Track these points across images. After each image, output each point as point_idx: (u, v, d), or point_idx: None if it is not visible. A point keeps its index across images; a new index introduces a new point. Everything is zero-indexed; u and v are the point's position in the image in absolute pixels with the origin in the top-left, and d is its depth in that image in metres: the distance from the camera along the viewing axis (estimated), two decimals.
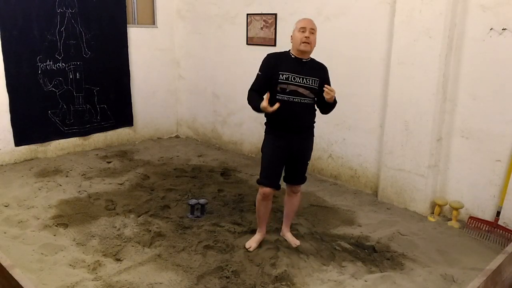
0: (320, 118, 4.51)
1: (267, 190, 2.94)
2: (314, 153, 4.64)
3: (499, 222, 3.35)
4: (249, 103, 2.89)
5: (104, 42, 5.21)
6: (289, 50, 2.90)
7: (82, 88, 5.15)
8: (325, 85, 2.75)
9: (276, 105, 2.71)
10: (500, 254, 1.92)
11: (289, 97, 2.80)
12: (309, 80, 2.82)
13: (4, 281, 1.59)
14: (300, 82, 2.80)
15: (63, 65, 4.93)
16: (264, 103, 2.72)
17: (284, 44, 4.61)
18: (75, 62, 5.02)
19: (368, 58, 4.01)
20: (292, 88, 2.79)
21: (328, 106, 2.90)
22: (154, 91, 5.92)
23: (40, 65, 4.76)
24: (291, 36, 2.87)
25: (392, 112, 3.80)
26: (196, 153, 5.41)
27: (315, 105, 2.97)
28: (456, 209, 3.50)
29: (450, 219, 3.58)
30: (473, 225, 3.41)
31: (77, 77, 5.07)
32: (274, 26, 4.70)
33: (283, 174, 3.03)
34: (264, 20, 4.74)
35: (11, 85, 4.60)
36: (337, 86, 4.24)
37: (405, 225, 3.49)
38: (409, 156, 3.73)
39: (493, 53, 3.27)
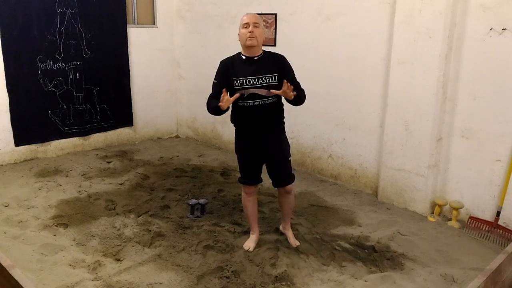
0: (320, 118, 4.55)
1: (248, 187, 3.01)
2: (314, 153, 4.66)
3: (499, 222, 3.35)
4: (208, 108, 2.84)
5: (104, 42, 5.21)
6: (240, 51, 2.87)
7: (82, 88, 5.15)
8: (284, 84, 2.65)
9: (236, 95, 2.69)
10: (500, 254, 1.92)
11: (249, 102, 2.77)
12: (265, 79, 2.77)
13: (4, 281, 1.59)
14: (256, 84, 2.76)
15: (63, 65, 4.93)
16: (222, 100, 2.63)
17: (284, 44, 4.62)
18: (75, 62, 5.02)
19: (368, 58, 4.01)
20: (250, 92, 2.76)
21: (293, 101, 2.80)
22: (154, 91, 5.92)
23: (40, 65, 4.76)
24: (238, 34, 2.83)
25: (392, 112, 3.80)
26: (196, 153, 5.42)
27: (280, 102, 2.91)
28: (456, 209, 3.50)
29: (450, 219, 3.58)
30: (473, 225, 3.41)
31: (77, 77, 5.07)
32: (274, 26, 4.70)
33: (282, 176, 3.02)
34: (264, 20, 4.73)
35: (11, 85, 4.61)
36: (337, 86, 4.29)
37: (405, 225, 3.49)
38: (409, 156, 3.73)
39: (493, 53, 3.27)
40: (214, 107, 2.75)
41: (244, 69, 2.77)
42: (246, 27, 2.76)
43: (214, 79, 2.87)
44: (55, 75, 4.89)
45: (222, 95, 2.63)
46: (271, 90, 2.73)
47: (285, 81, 2.65)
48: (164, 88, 6.02)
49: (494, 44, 3.26)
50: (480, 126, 3.41)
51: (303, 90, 2.85)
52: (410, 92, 3.63)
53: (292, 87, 2.65)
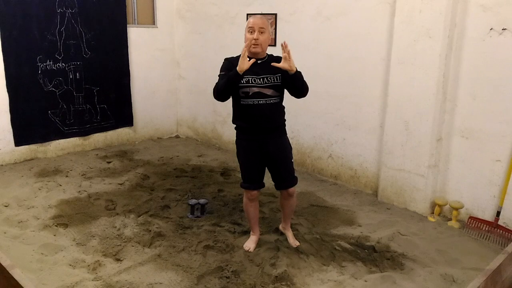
0: (320, 118, 4.55)
1: (251, 192, 2.97)
2: (314, 153, 4.66)
3: (499, 222, 3.35)
4: (219, 87, 2.74)
5: (104, 42, 5.21)
6: None
7: (82, 88, 5.15)
8: (282, 47, 2.61)
9: (252, 61, 2.64)
10: (500, 254, 1.92)
11: (253, 100, 2.76)
12: (270, 78, 2.77)
13: (4, 281, 1.59)
14: (261, 83, 2.75)
15: (63, 65, 4.93)
16: (241, 61, 2.60)
17: None
18: (75, 62, 5.02)
19: (368, 58, 4.01)
20: (255, 91, 2.75)
21: (297, 82, 2.74)
22: (154, 91, 5.92)
23: (40, 65, 4.76)
24: (245, 35, 2.80)
25: (392, 112, 3.80)
26: (196, 153, 5.42)
27: (283, 103, 2.91)
28: (456, 209, 3.50)
29: (450, 219, 3.58)
30: (473, 225, 3.41)
31: (77, 77, 5.07)
32: (274, 26, 4.70)
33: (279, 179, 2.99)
34: None
35: (11, 85, 4.60)
36: (337, 86, 4.29)
37: (405, 225, 3.49)
38: (409, 156, 3.73)
39: (493, 53, 3.27)
40: (228, 78, 2.68)
41: (248, 68, 2.74)
42: (251, 32, 2.73)
43: (220, 71, 2.82)
44: (55, 75, 4.89)
45: (243, 51, 2.60)
46: (273, 64, 2.68)
47: (282, 43, 2.62)
48: (164, 88, 6.02)
49: (494, 44, 3.26)
50: (480, 126, 3.41)
51: (301, 74, 2.81)
52: (410, 92, 3.63)
53: (287, 47, 2.61)
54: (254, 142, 2.87)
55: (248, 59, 2.64)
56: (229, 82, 2.70)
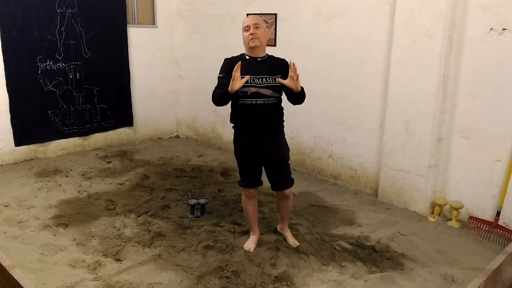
0: (320, 118, 4.55)
1: (249, 190, 2.99)
2: (314, 153, 4.66)
3: (499, 222, 3.35)
4: (214, 97, 2.79)
5: (104, 42, 5.21)
6: (244, 52, 2.88)
7: (82, 88, 5.15)
8: (291, 67, 2.63)
9: (246, 77, 2.66)
10: (500, 254, 1.92)
11: (251, 100, 2.77)
12: (270, 79, 2.78)
13: (4, 281, 1.59)
14: (260, 83, 2.76)
15: (63, 65, 4.93)
16: (233, 78, 2.60)
17: (284, 44, 4.62)
18: (75, 62, 5.02)
19: (368, 58, 4.01)
20: (253, 91, 2.76)
21: (297, 96, 2.79)
22: (154, 91, 5.92)
23: (40, 65, 4.76)
24: (243, 35, 2.85)
25: (392, 112, 3.80)
26: (196, 153, 5.42)
27: (281, 104, 2.92)
28: (456, 209, 3.50)
29: (450, 219, 3.58)
30: (473, 225, 3.41)
31: (77, 77, 5.07)
32: (274, 26, 4.70)
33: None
34: (264, 20, 4.73)
35: (11, 85, 4.60)
36: (337, 86, 4.29)
37: (405, 225, 3.49)
38: (409, 156, 3.73)
39: (493, 53, 3.27)
40: (221, 93, 2.73)
41: (248, 68, 2.76)
42: (247, 30, 2.79)
43: (219, 73, 2.85)
44: (55, 75, 4.89)
45: (235, 70, 2.59)
46: (278, 79, 2.73)
47: (290, 62, 2.65)
48: (164, 88, 6.02)
49: (494, 44, 3.26)
50: (480, 126, 3.41)
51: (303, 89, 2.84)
52: (410, 92, 3.63)
53: (297, 70, 2.63)
54: (252, 142, 2.88)
55: (240, 77, 2.63)
56: (223, 97, 2.76)
